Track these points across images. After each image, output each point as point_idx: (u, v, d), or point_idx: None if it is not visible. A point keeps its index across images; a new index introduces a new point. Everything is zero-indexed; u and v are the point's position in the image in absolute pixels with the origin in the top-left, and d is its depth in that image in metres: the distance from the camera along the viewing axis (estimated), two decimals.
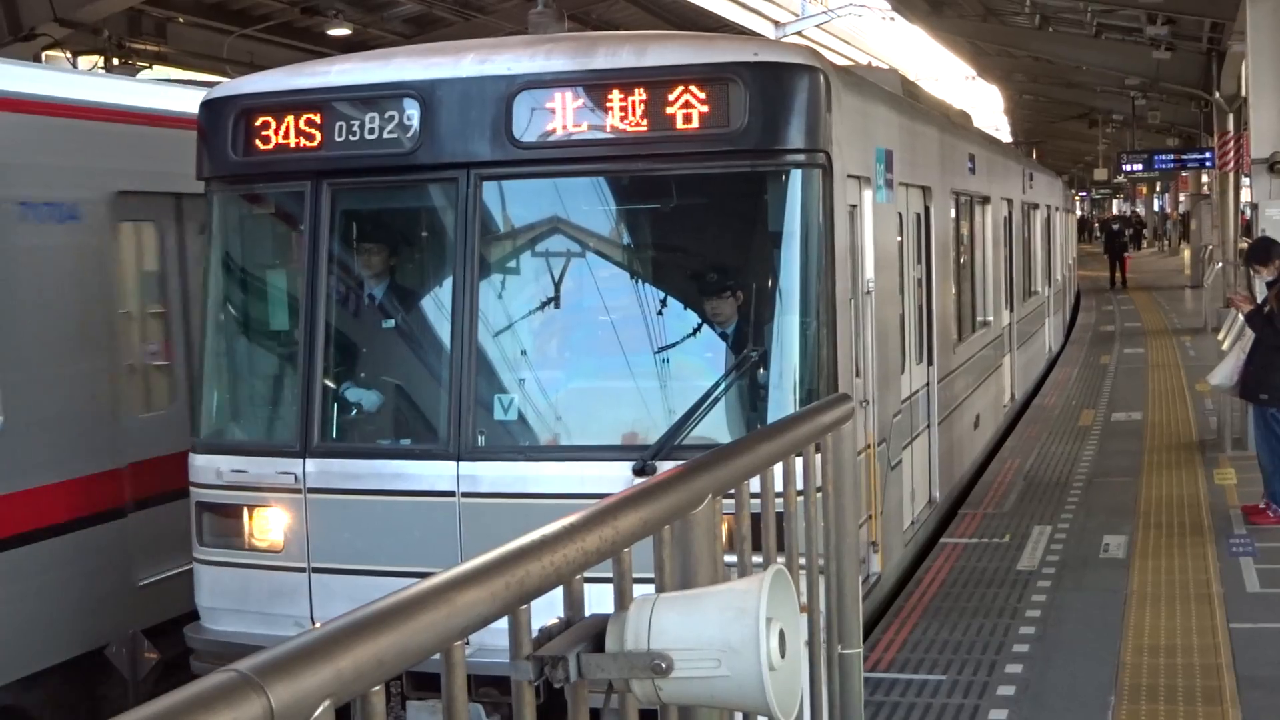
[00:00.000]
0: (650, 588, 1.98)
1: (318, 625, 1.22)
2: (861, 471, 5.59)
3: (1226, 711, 5.08)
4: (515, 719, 1.74)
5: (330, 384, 5.32)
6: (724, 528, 2.28)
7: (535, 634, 1.77)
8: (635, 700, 1.83)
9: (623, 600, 1.86)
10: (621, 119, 4.91)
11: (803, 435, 2.75)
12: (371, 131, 5.13)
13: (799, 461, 2.76)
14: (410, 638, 1.47)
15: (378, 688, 1.44)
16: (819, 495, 2.86)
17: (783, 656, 1.73)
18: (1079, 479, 9.85)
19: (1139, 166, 32.34)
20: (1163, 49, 22.04)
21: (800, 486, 2.77)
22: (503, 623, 1.71)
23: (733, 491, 2.36)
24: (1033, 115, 46.72)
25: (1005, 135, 43.07)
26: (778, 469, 2.62)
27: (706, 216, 5.51)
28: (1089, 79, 30.52)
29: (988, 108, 45.31)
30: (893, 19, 30.85)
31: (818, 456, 2.86)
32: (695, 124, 4.85)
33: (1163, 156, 31.26)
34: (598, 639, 1.78)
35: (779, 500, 2.64)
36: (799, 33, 28.12)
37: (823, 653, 2.83)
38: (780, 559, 2.62)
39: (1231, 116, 22.61)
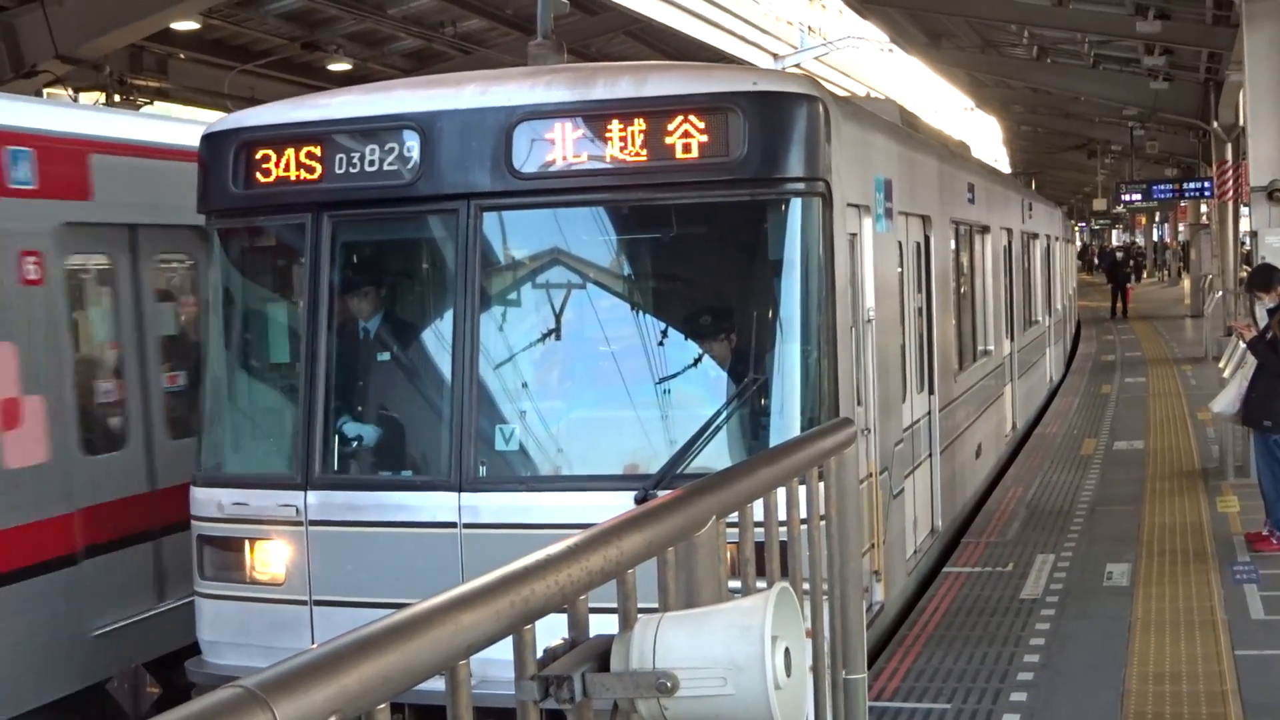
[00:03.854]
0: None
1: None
2: (863, 500, 5.57)
3: None
4: None
5: (331, 416, 5.27)
6: (727, 553, 2.29)
7: (540, 654, 1.78)
8: None
9: (627, 620, 1.86)
10: (621, 149, 4.91)
11: (805, 459, 2.76)
12: (372, 163, 5.13)
13: (802, 486, 2.76)
14: (415, 656, 1.48)
15: (383, 705, 1.44)
16: (822, 520, 2.86)
17: (788, 675, 1.74)
18: (1081, 507, 9.83)
19: (1138, 197, 32.50)
20: (1160, 79, 22.22)
21: (804, 510, 2.77)
22: (505, 652, 1.71)
23: (736, 517, 2.37)
24: (1031, 146, 46.98)
25: (1004, 166, 43.31)
26: (781, 493, 2.63)
27: (707, 246, 5.47)
28: (1087, 109, 30.74)
29: (986, 139, 45.57)
30: (891, 51, 31.10)
31: (820, 481, 2.86)
32: (695, 153, 4.84)
33: (1161, 186, 31.44)
34: (603, 659, 1.78)
35: (782, 528, 2.64)
36: (798, 65, 28.35)
37: (827, 678, 2.83)
38: (783, 583, 2.62)
39: (1230, 146, 22.76)
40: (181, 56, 17.87)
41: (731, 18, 25.70)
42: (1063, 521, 9.34)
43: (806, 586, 2.75)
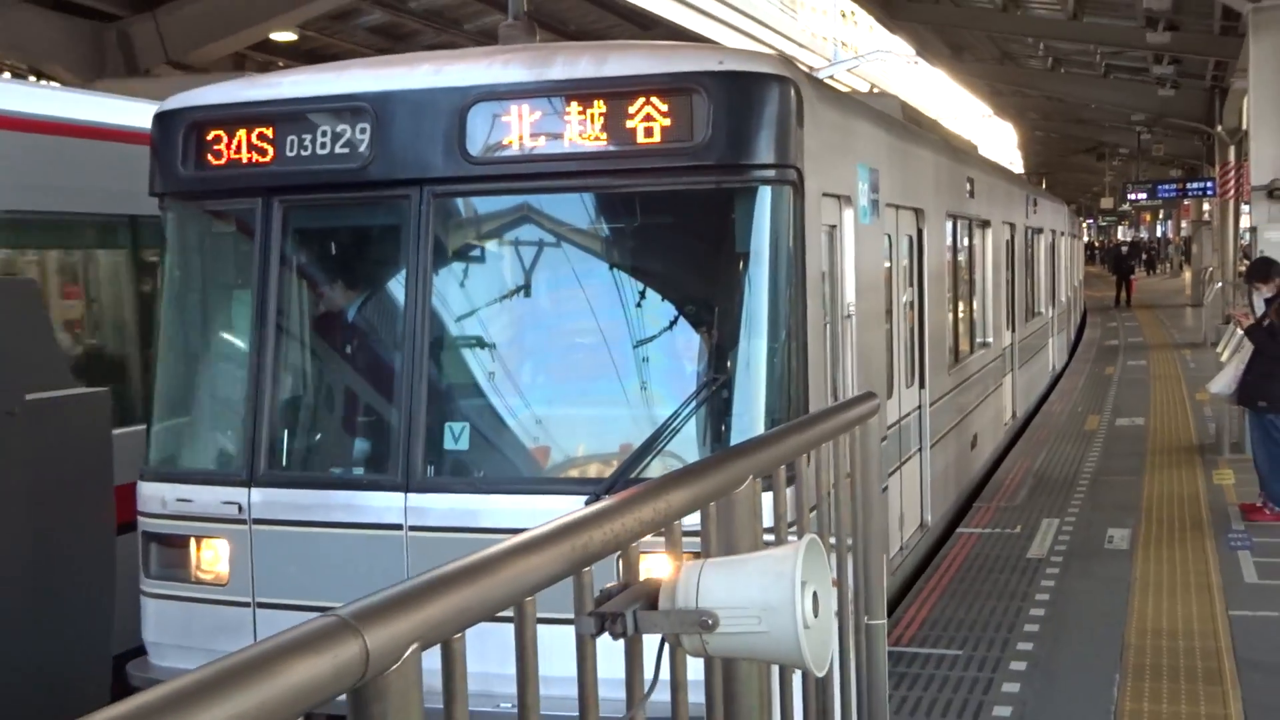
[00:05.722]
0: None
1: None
2: (844, 493, 4.89)
3: (1227, 691, 4.96)
4: (578, 673, 1.76)
5: (278, 410, 4.63)
6: (763, 508, 2.29)
7: (597, 594, 1.80)
8: (685, 653, 1.86)
9: (674, 565, 1.89)
10: (580, 133, 4.22)
11: (832, 428, 2.76)
12: (323, 146, 4.48)
13: (830, 450, 2.77)
14: (488, 592, 1.50)
15: (459, 635, 1.47)
16: (847, 480, 2.87)
17: (816, 616, 1.75)
18: (1085, 477, 9.70)
19: (1143, 196, 31.92)
20: (1168, 87, 21.75)
21: (831, 472, 2.78)
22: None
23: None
24: (1044, 149, 46.17)
25: (1018, 168, 42.60)
26: (812, 456, 2.63)
27: (670, 236, 4.71)
28: (1098, 115, 30.16)
29: (1003, 143, 44.86)
30: (917, 63, 30.68)
31: (845, 447, 2.87)
32: (657, 137, 4.16)
33: (1166, 186, 30.84)
34: (651, 599, 1.81)
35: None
36: (831, 76, 28.06)
37: (851, 623, 2.84)
38: (812, 535, 2.63)
39: (1233, 148, 22.23)
40: (280, 64, 18.07)
41: (770, 32, 25.50)
42: (1068, 489, 9.22)
43: (833, 541, 2.76)
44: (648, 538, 1.85)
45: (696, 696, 2.01)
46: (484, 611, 1.48)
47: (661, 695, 1.86)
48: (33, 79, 13.56)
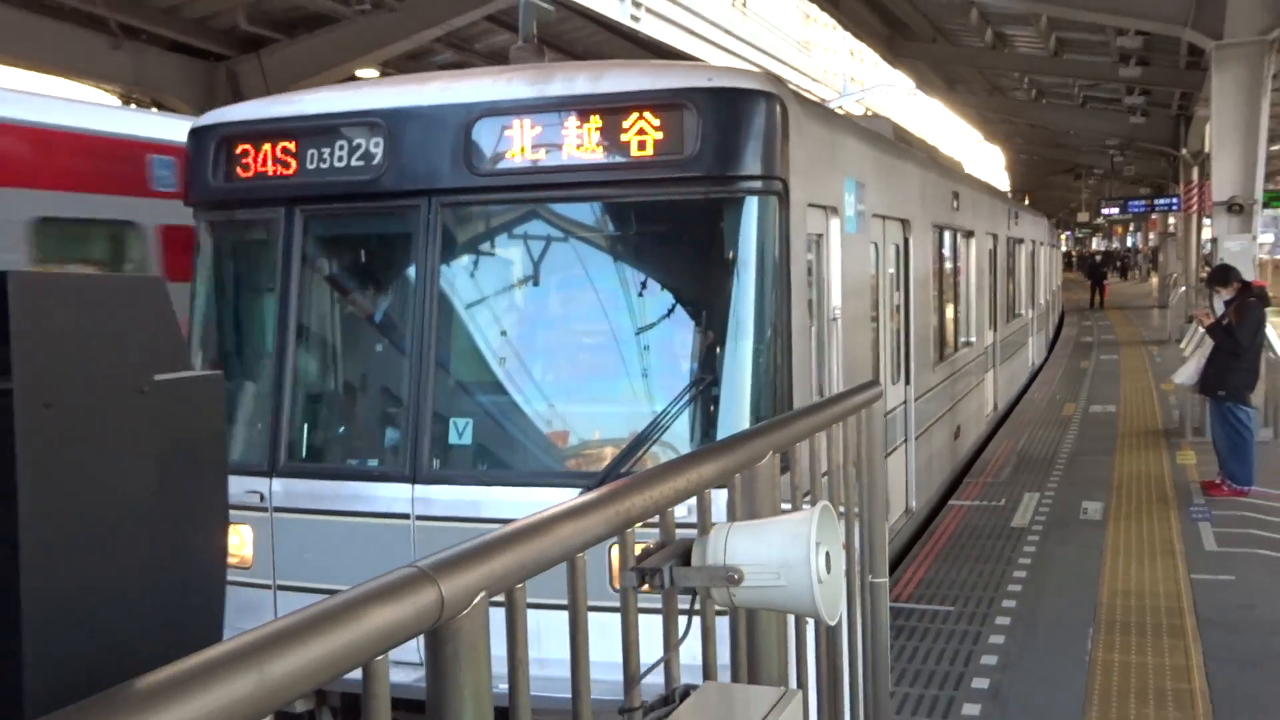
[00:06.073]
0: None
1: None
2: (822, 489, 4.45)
3: (1189, 645, 4.88)
4: (622, 624, 1.75)
5: (298, 405, 4.46)
6: (780, 479, 2.27)
7: (638, 553, 1.80)
8: (713, 604, 1.85)
9: (704, 528, 1.88)
10: (577, 146, 3.99)
11: (842, 410, 2.74)
12: (340, 159, 4.30)
13: (839, 430, 2.75)
14: (545, 549, 1.50)
15: (520, 584, 1.47)
16: (854, 458, 2.84)
17: (828, 573, 1.74)
18: (1062, 457, 9.57)
19: (1115, 210, 31.39)
20: (1138, 115, 21.34)
21: (840, 450, 2.76)
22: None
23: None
24: (1028, 170, 45.46)
25: (1006, 186, 41.98)
26: (824, 435, 2.62)
27: (663, 244, 4.41)
28: (1075, 140, 29.65)
29: (993, 165, 44.27)
30: (915, 94, 30.34)
31: (853, 428, 2.85)
32: (650, 151, 3.91)
33: (1136, 202, 30.29)
34: (685, 556, 1.81)
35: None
36: (840, 108, 27.81)
37: (858, 581, 2.82)
38: (825, 502, 2.61)
39: (1196, 169, 21.79)
40: None
41: (787, 68, 25.30)
42: (1047, 467, 9.10)
43: (842, 509, 2.74)
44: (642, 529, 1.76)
45: (722, 644, 2.00)
46: (541, 565, 1.48)
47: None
48: (154, 109, 13.78)
